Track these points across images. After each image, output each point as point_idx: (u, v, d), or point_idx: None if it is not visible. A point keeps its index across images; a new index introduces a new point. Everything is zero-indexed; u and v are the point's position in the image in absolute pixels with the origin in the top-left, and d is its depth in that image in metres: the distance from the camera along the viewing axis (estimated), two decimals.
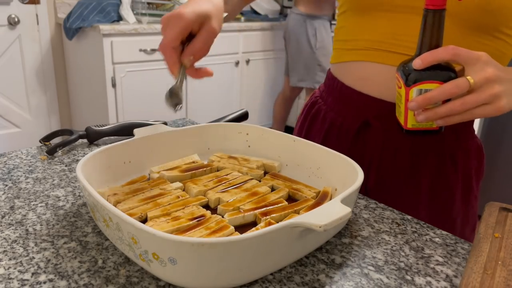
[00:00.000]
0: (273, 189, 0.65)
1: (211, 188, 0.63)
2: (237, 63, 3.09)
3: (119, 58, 2.53)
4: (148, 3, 2.72)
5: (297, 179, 0.67)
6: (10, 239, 0.53)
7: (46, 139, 0.82)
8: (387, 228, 0.60)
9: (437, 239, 0.57)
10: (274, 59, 3.34)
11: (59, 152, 0.79)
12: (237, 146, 0.76)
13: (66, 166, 0.74)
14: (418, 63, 0.56)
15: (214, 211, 0.59)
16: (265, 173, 0.71)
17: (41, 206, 0.61)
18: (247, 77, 3.21)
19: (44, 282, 0.46)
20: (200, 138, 0.75)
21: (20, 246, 0.52)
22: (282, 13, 3.54)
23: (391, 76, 0.65)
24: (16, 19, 2.64)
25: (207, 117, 2.99)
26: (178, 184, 0.64)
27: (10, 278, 0.46)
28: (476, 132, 0.78)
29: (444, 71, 0.57)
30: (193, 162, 0.71)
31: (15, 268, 0.48)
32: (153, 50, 2.63)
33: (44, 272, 0.47)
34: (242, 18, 3.22)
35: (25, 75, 2.77)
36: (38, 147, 0.82)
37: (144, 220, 0.55)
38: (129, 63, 2.57)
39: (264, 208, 0.57)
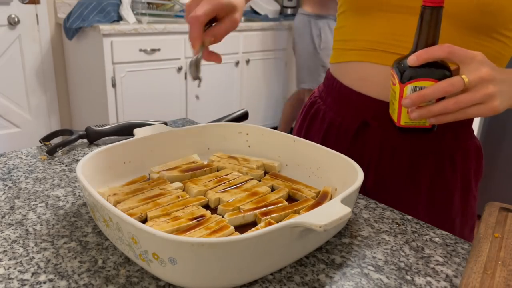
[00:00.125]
0: (273, 189, 0.65)
1: (211, 188, 0.63)
2: (237, 63, 3.09)
3: (119, 58, 2.53)
4: (148, 3, 2.72)
5: (297, 179, 0.67)
6: (10, 239, 0.53)
7: (46, 139, 0.82)
8: (387, 228, 0.60)
9: (437, 239, 0.57)
10: (274, 59, 3.34)
11: (59, 152, 0.79)
12: (237, 146, 0.76)
13: (66, 166, 0.74)
14: (413, 59, 0.56)
15: (214, 211, 0.59)
16: (265, 173, 0.71)
17: (41, 206, 0.61)
18: (247, 77, 3.21)
19: (44, 282, 0.46)
20: (200, 138, 0.75)
21: (20, 246, 0.52)
22: (282, 13, 3.53)
23: (389, 76, 0.65)
24: (16, 19, 2.64)
25: (207, 117, 2.99)
26: (178, 184, 0.64)
27: (10, 278, 0.46)
28: (476, 132, 0.79)
29: (439, 69, 0.57)
30: (193, 162, 0.71)
31: (15, 268, 0.48)
32: (153, 50, 2.63)
33: (44, 272, 0.47)
34: (242, 18, 3.21)
35: (25, 75, 2.77)
36: (38, 147, 0.82)
37: (144, 220, 0.55)
38: (129, 63, 2.58)
39: (264, 208, 0.57)
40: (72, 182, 0.68)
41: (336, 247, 0.54)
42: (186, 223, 0.53)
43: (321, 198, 0.60)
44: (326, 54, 2.84)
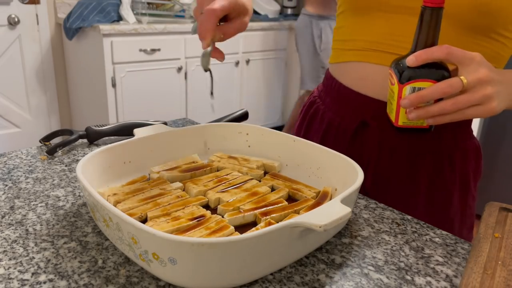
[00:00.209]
0: (273, 189, 0.65)
1: (211, 188, 0.63)
2: (237, 63, 3.10)
3: (119, 58, 2.53)
4: (148, 3, 2.72)
5: (297, 179, 0.67)
6: (10, 239, 0.53)
7: (46, 139, 0.82)
8: (387, 228, 0.60)
9: (437, 239, 0.57)
10: (274, 59, 3.34)
11: (59, 152, 0.79)
12: (237, 146, 0.76)
13: (66, 166, 0.74)
14: (412, 60, 0.56)
15: (214, 211, 0.59)
16: (265, 173, 0.71)
17: (41, 206, 0.61)
18: (247, 77, 3.21)
19: (44, 282, 0.46)
20: (200, 138, 0.75)
21: (20, 246, 0.52)
22: (282, 13, 3.54)
23: (388, 76, 0.65)
24: (16, 19, 2.64)
25: (207, 117, 2.99)
26: (178, 184, 0.64)
27: (10, 278, 0.46)
28: (476, 132, 0.79)
29: (438, 70, 0.57)
30: (193, 162, 0.71)
31: (15, 268, 0.48)
32: (153, 50, 2.63)
33: (44, 272, 0.47)
34: None
35: (25, 75, 2.77)
36: (38, 147, 0.82)
37: (144, 220, 0.55)
38: (129, 63, 2.58)
39: (264, 208, 0.57)
40: (72, 182, 0.68)
41: (336, 247, 0.54)
42: (186, 223, 0.53)
43: (321, 198, 0.60)
44: (327, 55, 2.82)
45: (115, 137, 0.86)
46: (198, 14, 0.61)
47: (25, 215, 0.58)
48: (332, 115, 0.81)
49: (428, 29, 0.57)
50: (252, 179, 0.66)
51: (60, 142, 0.79)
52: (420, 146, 0.74)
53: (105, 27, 2.39)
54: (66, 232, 0.55)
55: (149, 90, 2.70)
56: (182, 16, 2.84)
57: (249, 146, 0.76)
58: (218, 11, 0.58)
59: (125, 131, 0.85)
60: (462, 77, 0.55)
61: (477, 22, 0.64)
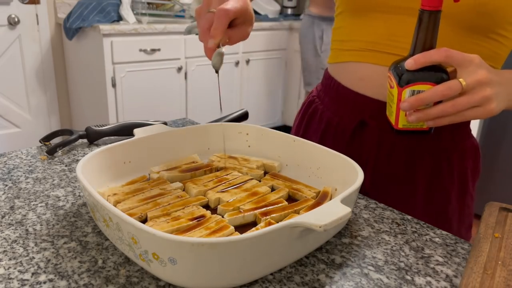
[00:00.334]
0: (273, 189, 0.65)
1: (211, 188, 0.63)
2: (237, 63, 3.10)
3: (119, 58, 2.53)
4: (148, 3, 2.73)
5: (297, 179, 0.67)
6: (10, 239, 0.53)
7: (46, 139, 0.82)
8: (387, 228, 0.60)
9: (437, 239, 0.57)
10: (274, 59, 3.34)
11: (59, 152, 0.79)
12: (237, 146, 0.76)
13: (66, 166, 0.74)
14: (410, 63, 0.57)
15: (214, 211, 0.59)
16: (265, 173, 0.71)
17: (41, 206, 0.61)
18: (247, 77, 3.21)
19: (44, 282, 0.46)
20: (200, 138, 0.75)
21: (20, 246, 0.52)
22: (282, 13, 3.54)
23: (386, 77, 0.65)
24: (16, 19, 2.64)
25: (207, 117, 2.99)
26: (178, 184, 0.64)
27: (10, 278, 0.46)
28: (476, 133, 0.79)
29: (437, 73, 0.57)
30: (193, 162, 0.71)
31: (15, 268, 0.48)
32: (153, 50, 2.63)
33: (44, 272, 0.47)
34: None
35: (25, 75, 2.77)
36: (38, 147, 0.82)
37: (144, 220, 0.55)
38: (129, 63, 2.58)
39: (264, 208, 0.57)
40: (72, 182, 0.68)
41: (336, 247, 0.54)
42: (186, 223, 0.53)
43: (321, 198, 0.60)
44: (327, 56, 2.80)
45: (115, 137, 0.86)
46: (201, 14, 0.60)
47: (25, 215, 0.58)
48: (331, 115, 0.81)
49: (426, 32, 0.57)
50: (252, 179, 0.66)
51: (60, 142, 0.79)
52: (418, 146, 0.74)
53: (105, 27, 2.39)
54: (66, 232, 0.55)
55: (149, 90, 2.70)
56: (182, 16, 2.85)
57: (249, 146, 0.76)
58: (231, 12, 0.57)
59: (125, 131, 0.85)
60: (461, 79, 0.55)
61: (475, 22, 0.64)
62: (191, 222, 0.53)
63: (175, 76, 2.79)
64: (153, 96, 2.73)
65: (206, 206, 0.60)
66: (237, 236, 0.43)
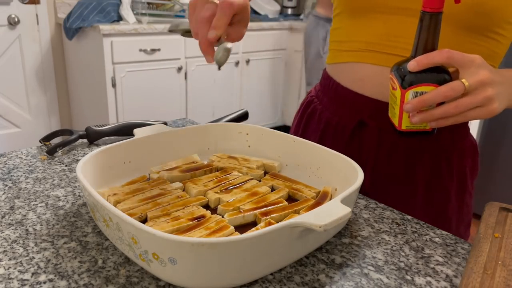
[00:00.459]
0: (273, 189, 0.65)
1: (211, 188, 0.63)
2: (237, 63, 3.09)
3: (119, 58, 2.53)
4: (148, 3, 2.72)
5: (297, 179, 0.67)
6: (10, 239, 0.53)
7: (46, 139, 0.82)
8: (387, 228, 0.60)
9: (437, 239, 0.57)
10: (274, 59, 3.34)
11: (59, 152, 0.79)
12: (237, 146, 0.76)
13: (66, 166, 0.74)
14: (413, 65, 0.57)
15: (214, 211, 0.59)
16: (265, 173, 0.71)
17: (41, 206, 0.61)
18: (247, 77, 3.21)
19: (44, 282, 0.46)
20: (200, 138, 0.75)
21: (20, 246, 0.52)
22: (282, 13, 3.54)
23: (386, 77, 0.65)
24: (16, 19, 2.64)
25: (207, 117, 2.99)
26: (178, 184, 0.64)
27: (10, 278, 0.46)
28: (476, 132, 0.79)
29: (439, 74, 0.57)
30: (193, 162, 0.71)
31: (15, 268, 0.48)
32: (153, 50, 2.63)
33: (44, 272, 0.47)
34: None
35: (25, 75, 2.77)
36: (38, 147, 0.82)
37: (144, 220, 0.55)
38: (129, 63, 2.58)
39: (264, 208, 0.57)
40: (72, 182, 0.68)
41: (336, 247, 0.54)
42: (186, 223, 0.53)
43: (321, 198, 0.60)
44: None
45: (115, 137, 0.86)
46: (198, 5, 0.59)
47: (25, 215, 0.58)
48: (330, 115, 0.82)
49: (428, 34, 0.57)
50: (252, 179, 0.66)
51: (60, 142, 0.79)
52: (418, 145, 0.74)
53: (105, 27, 2.39)
54: (66, 232, 0.55)
55: (149, 90, 2.70)
56: (182, 16, 2.84)
57: (249, 146, 0.76)
58: (235, 5, 0.57)
59: (125, 131, 0.85)
60: (463, 80, 0.55)
61: (473, 22, 0.65)
62: (191, 222, 0.53)
63: (175, 76, 2.79)
64: (153, 96, 2.73)
65: (206, 206, 0.60)
66: (237, 236, 0.43)
